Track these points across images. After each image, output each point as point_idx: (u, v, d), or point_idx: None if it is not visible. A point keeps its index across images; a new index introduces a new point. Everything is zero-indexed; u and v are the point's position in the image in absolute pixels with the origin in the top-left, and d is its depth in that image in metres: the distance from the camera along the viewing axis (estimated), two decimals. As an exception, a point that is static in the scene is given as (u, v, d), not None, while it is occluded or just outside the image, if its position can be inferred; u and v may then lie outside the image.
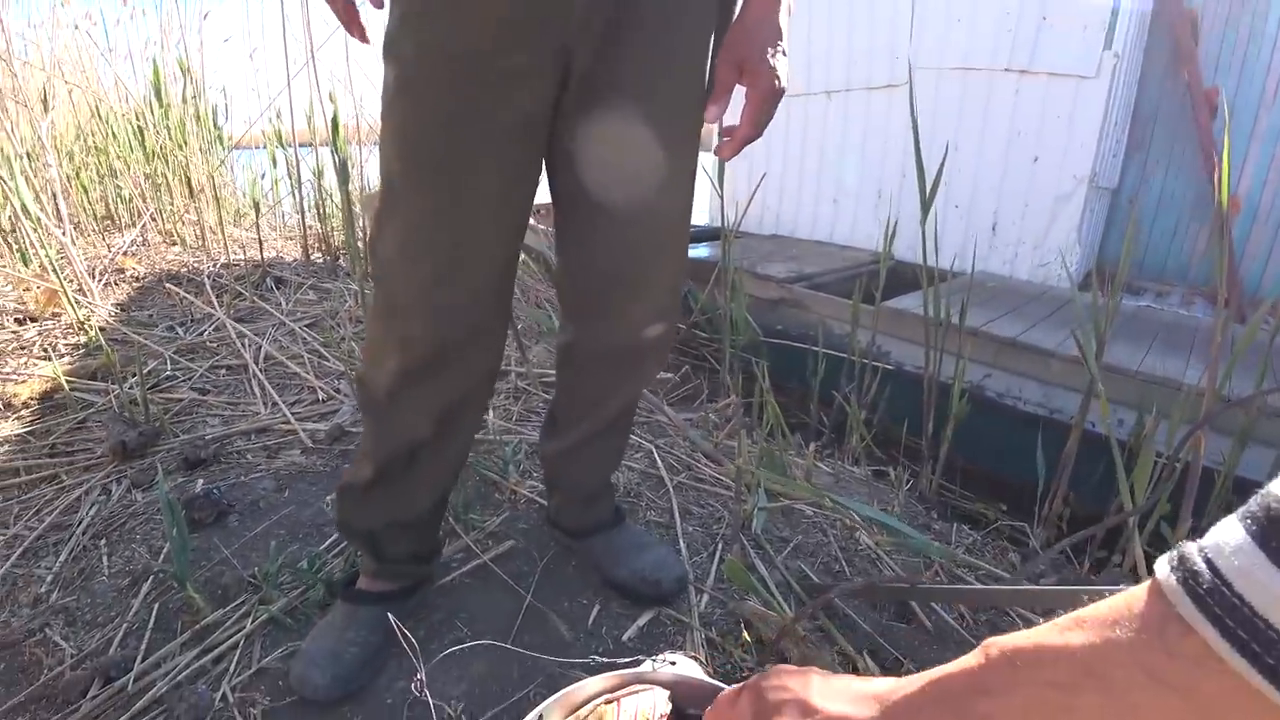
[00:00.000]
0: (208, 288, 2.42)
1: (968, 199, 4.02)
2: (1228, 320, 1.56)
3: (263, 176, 3.73)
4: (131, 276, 2.59)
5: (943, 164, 1.85)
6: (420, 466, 0.92)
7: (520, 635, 1.02)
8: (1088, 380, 1.67)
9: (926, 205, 1.76)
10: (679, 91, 0.81)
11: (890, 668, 1.03)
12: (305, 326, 2.16)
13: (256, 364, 1.84)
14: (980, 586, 0.84)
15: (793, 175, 4.64)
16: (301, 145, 3.36)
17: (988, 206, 3.97)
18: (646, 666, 0.91)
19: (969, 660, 0.36)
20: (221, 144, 3.58)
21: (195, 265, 2.77)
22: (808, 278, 3.52)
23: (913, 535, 1.06)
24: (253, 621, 0.99)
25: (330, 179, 3.19)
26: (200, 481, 1.27)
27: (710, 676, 0.96)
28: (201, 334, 2.06)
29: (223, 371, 1.82)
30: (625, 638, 1.04)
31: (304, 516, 1.26)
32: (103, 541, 1.16)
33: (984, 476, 2.08)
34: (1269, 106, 3.69)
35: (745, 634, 1.04)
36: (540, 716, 0.77)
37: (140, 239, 3.04)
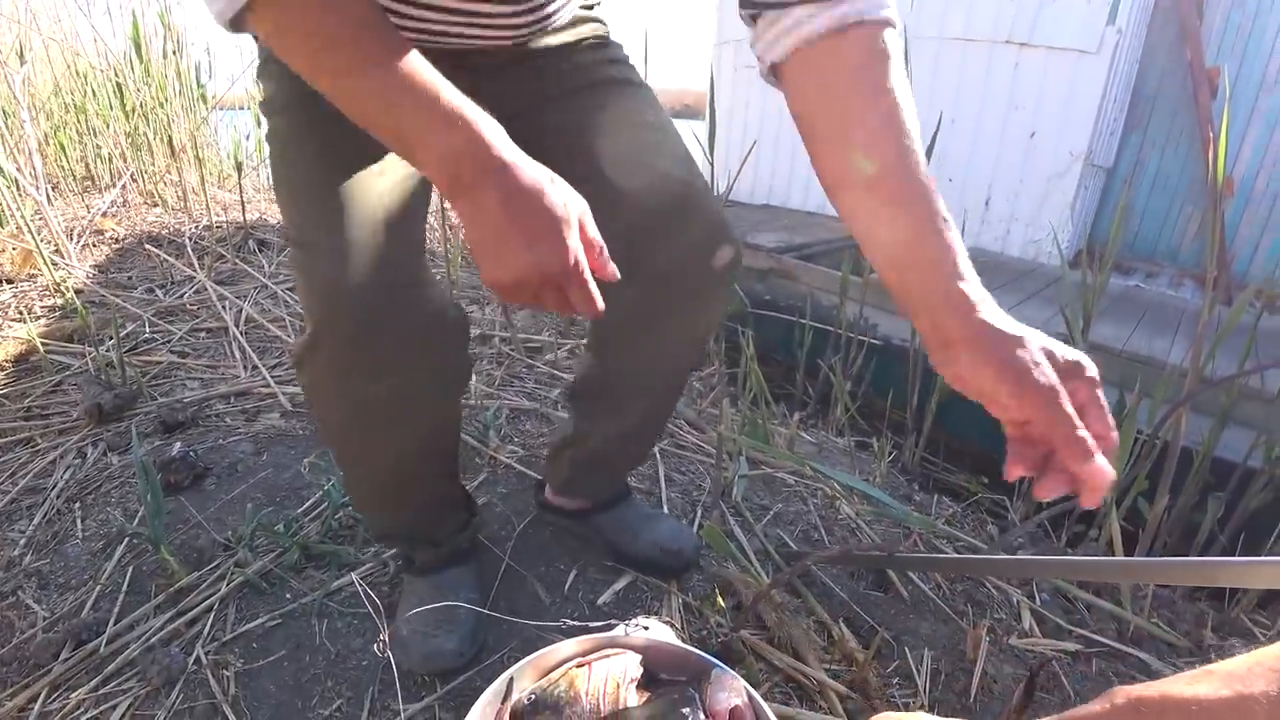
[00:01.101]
0: (189, 249, 2.38)
1: (962, 173, 3.99)
2: (1214, 301, 1.56)
3: (247, 137, 3.65)
4: (111, 238, 2.54)
5: (935, 135, 1.82)
6: (413, 481, 0.86)
7: (497, 598, 1.02)
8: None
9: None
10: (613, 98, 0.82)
11: (865, 635, 1.04)
12: (287, 289, 2.13)
13: (237, 326, 1.82)
14: (956, 556, 0.85)
15: (785, 145, 4.57)
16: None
17: (982, 181, 3.95)
18: (619, 631, 0.92)
19: (1094, 707, 0.35)
20: (204, 102, 3.50)
21: (176, 227, 2.72)
22: (797, 248, 3.50)
23: (893, 505, 1.06)
24: (228, 585, 0.98)
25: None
26: (177, 444, 1.25)
27: (684, 641, 0.97)
28: (181, 296, 2.03)
29: (202, 334, 1.80)
30: (601, 602, 1.04)
31: (281, 480, 1.25)
32: (77, 505, 1.15)
33: (967, 450, 2.09)
34: (1270, 90, 3.66)
35: (721, 600, 1.05)
36: (511, 679, 0.77)
37: (120, 200, 2.98)
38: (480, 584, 1.00)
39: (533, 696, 0.75)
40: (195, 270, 2.18)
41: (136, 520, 1.09)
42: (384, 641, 0.69)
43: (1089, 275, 1.74)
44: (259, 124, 3.39)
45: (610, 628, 0.99)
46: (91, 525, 1.10)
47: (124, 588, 0.98)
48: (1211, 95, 3.69)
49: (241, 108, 3.60)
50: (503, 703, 0.75)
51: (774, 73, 0.65)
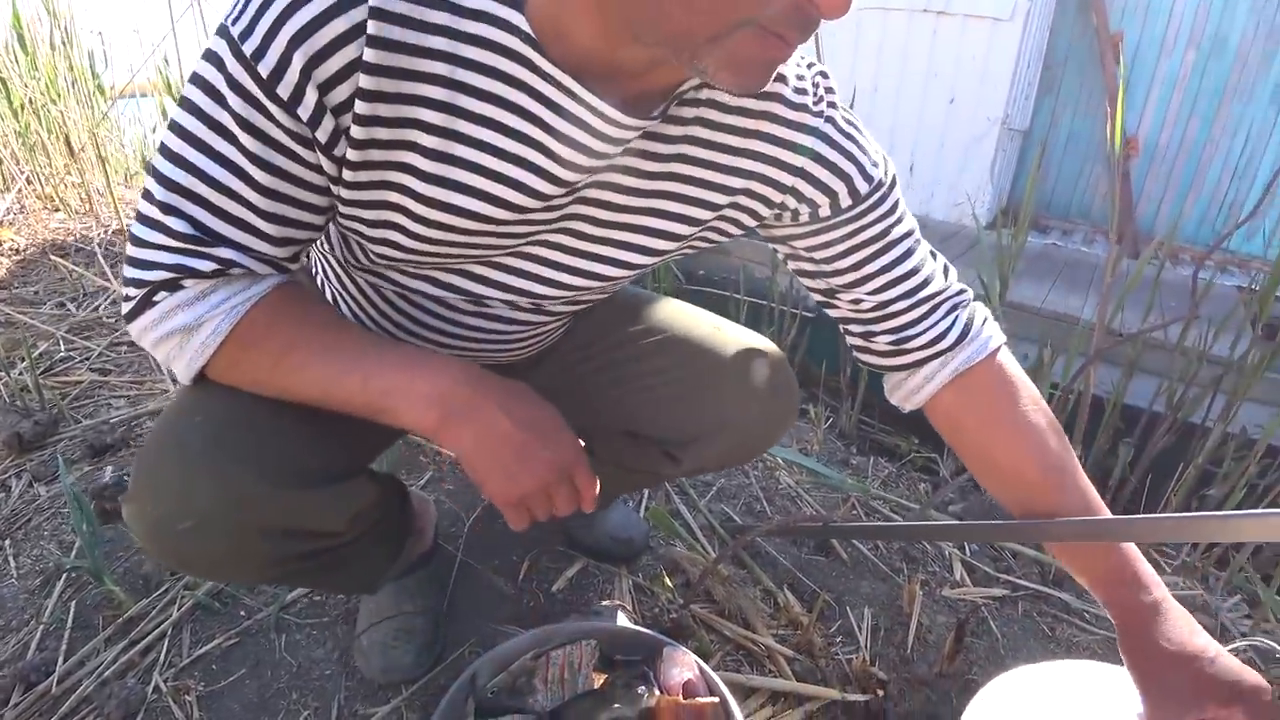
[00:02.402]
0: (99, 257, 2.26)
1: (887, 141, 4.10)
2: (1119, 258, 1.67)
3: (154, 130, 3.45)
4: (10, 249, 2.39)
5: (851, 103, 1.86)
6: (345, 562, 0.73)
7: (455, 594, 1.04)
8: (992, 318, 1.77)
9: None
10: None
11: (809, 599, 1.10)
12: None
13: (162, 339, 1.74)
14: (885, 524, 0.91)
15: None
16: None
17: (905, 147, 4.06)
18: (574, 619, 0.95)
19: None
20: (102, 95, 3.28)
21: (83, 233, 2.57)
22: None
23: (827, 474, 1.12)
24: (179, 609, 0.97)
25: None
26: (109, 469, 1.21)
27: (636, 622, 1.01)
28: (96, 309, 1.93)
29: (123, 349, 1.72)
30: (555, 589, 1.07)
31: (225, 497, 1.22)
32: (7, 542, 1.10)
33: (899, 411, 2.18)
34: (1169, 53, 3.86)
35: (667, 580, 1.09)
36: (473, 675, 0.80)
37: (17, 206, 2.79)
38: (437, 585, 1.02)
39: (495, 690, 0.78)
40: (109, 280, 2.08)
41: (74, 553, 1.06)
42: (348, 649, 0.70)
43: (1003, 236, 1.84)
44: (165, 117, 3.22)
45: (566, 615, 1.02)
46: (25, 562, 1.06)
47: (69, 624, 0.95)
48: (1116, 60, 3.88)
49: (144, 95, 3.39)
50: (467, 699, 0.77)
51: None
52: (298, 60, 0.47)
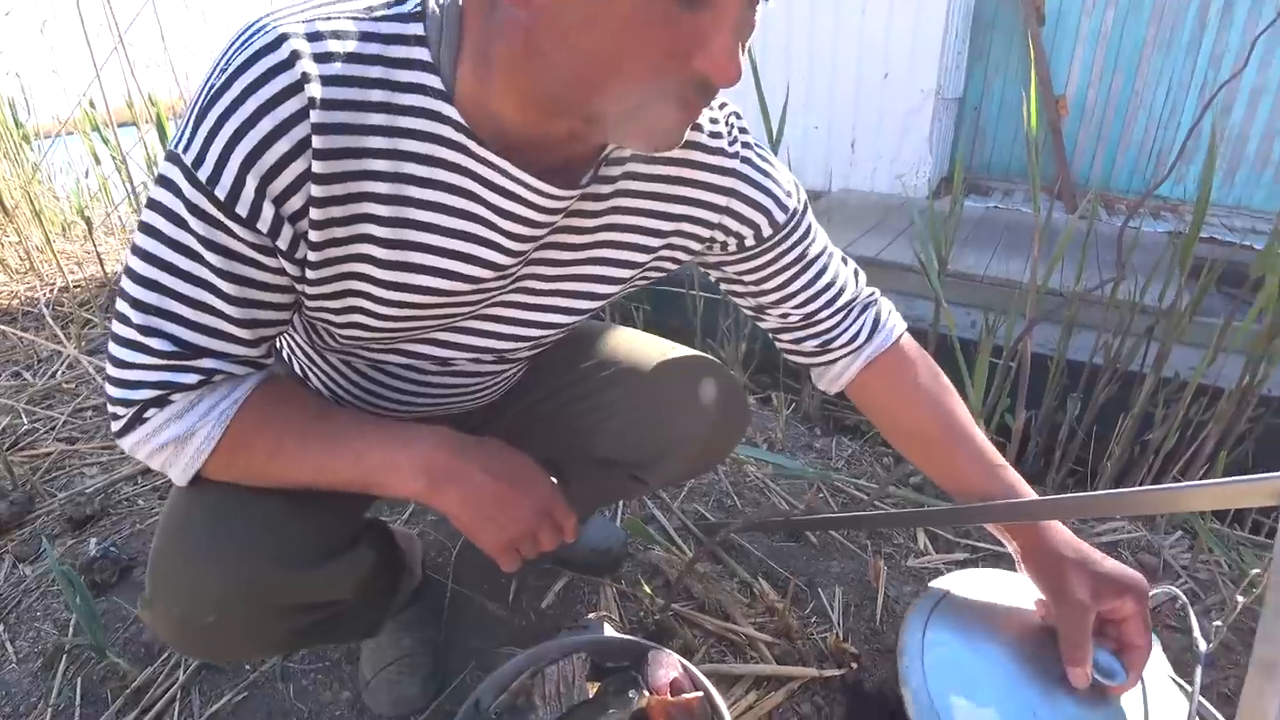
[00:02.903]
0: (48, 319, 2.23)
1: (827, 118, 4.18)
2: (1047, 220, 1.75)
3: (86, 175, 3.36)
4: (-45, 318, 2.34)
5: (788, 84, 1.92)
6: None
7: (450, 622, 1.09)
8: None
9: (773, 135, 1.82)
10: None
11: (783, 585, 1.17)
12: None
13: (127, 398, 1.74)
14: (841, 514, 0.98)
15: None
16: (122, 125, 3.02)
17: (846, 123, 4.15)
18: (564, 634, 1.01)
19: None
20: (28, 145, 3.19)
21: (28, 294, 2.53)
22: None
23: (785, 464, 1.19)
24: (184, 672, 1.00)
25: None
26: (93, 541, 1.23)
27: (622, 628, 1.07)
28: (54, 375, 1.91)
29: (89, 414, 1.72)
30: (545, 605, 1.13)
31: (212, 552, 1.25)
32: (1, 627, 1.12)
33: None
34: (1089, 13, 4.00)
35: (645, 586, 1.15)
36: (476, 700, 0.85)
37: (-46, 272, 2.73)
38: (432, 615, 1.06)
39: (498, 712, 0.83)
40: (62, 343, 2.06)
41: (71, 630, 1.08)
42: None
43: (934, 204, 1.91)
44: (97, 161, 3.14)
45: (557, 630, 1.08)
46: (23, 645, 1.08)
47: (77, 701, 0.97)
48: (1040, 23, 4.00)
49: (69, 133, 3.29)
50: (473, 722, 0.82)
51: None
52: (251, 181, 0.50)
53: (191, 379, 0.56)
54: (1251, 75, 3.91)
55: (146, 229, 0.54)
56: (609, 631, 1.03)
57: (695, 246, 0.73)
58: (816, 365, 0.84)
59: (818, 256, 0.77)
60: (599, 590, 1.15)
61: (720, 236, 0.72)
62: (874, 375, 0.81)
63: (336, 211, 0.54)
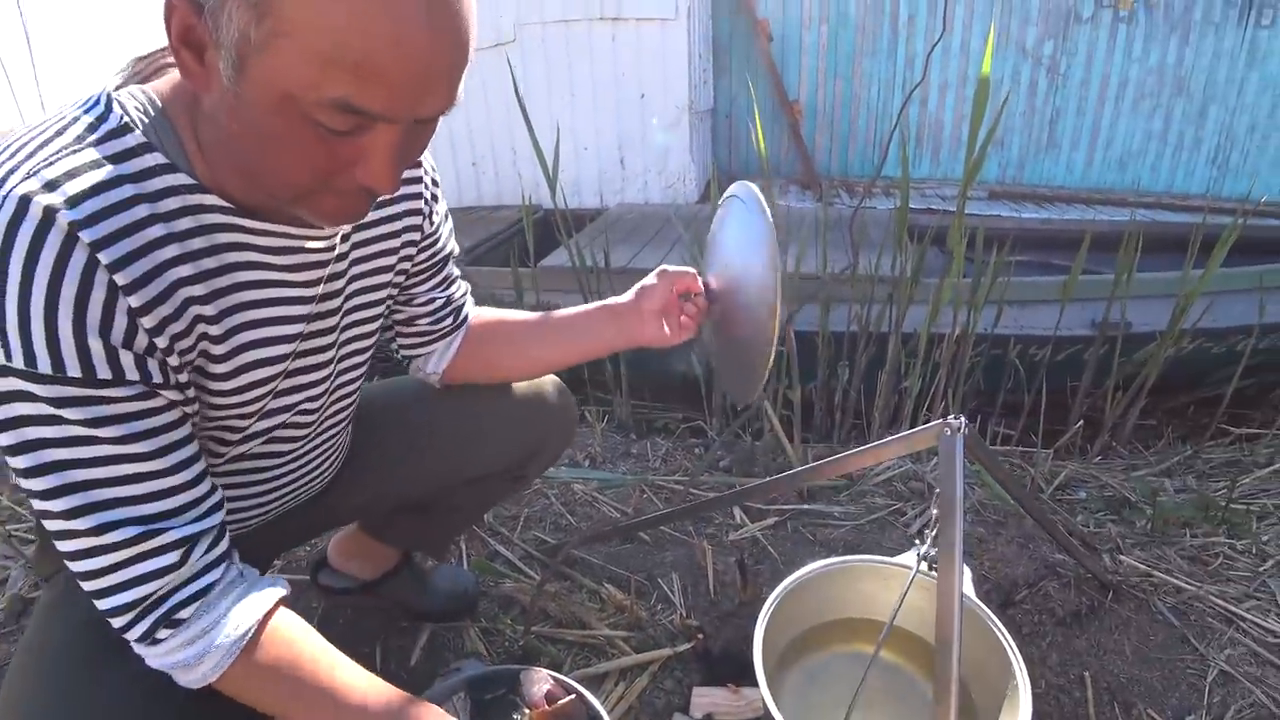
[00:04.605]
0: None
1: (594, 141, 4.42)
2: (812, 205, 2.00)
3: None
4: None
5: (553, 112, 2.05)
6: None
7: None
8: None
9: (549, 172, 1.93)
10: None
11: (625, 585, 1.27)
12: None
13: None
14: (664, 511, 1.10)
15: (438, 141, 4.64)
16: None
17: (612, 144, 4.43)
18: (438, 682, 1.03)
19: None
20: None
21: None
22: (466, 253, 3.62)
23: (608, 477, 1.30)
24: None
25: None
26: None
27: (492, 661, 1.11)
28: None
29: None
30: (414, 663, 1.13)
31: None
32: None
33: (664, 385, 2.40)
34: (808, 27, 4.61)
35: (505, 618, 1.20)
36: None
37: None
38: None
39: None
40: None
41: None
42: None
43: (706, 208, 2.13)
44: None
45: (431, 681, 1.09)
46: None
47: None
48: (768, 40, 4.56)
49: None
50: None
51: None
52: (95, 344, 0.50)
53: (172, 557, 0.55)
54: (937, 73, 4.76)
55: (24, 447, 0.51)
56: (479, 666, 1.07)
57: (418, 236, 0.80)
58: (441, 339, 0.91)
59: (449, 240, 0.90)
60: (462, 634, 1.17)
61: (422, 208, 0.80)
62: (466, 356, 0.93)
63: (175, 328, 0.55)
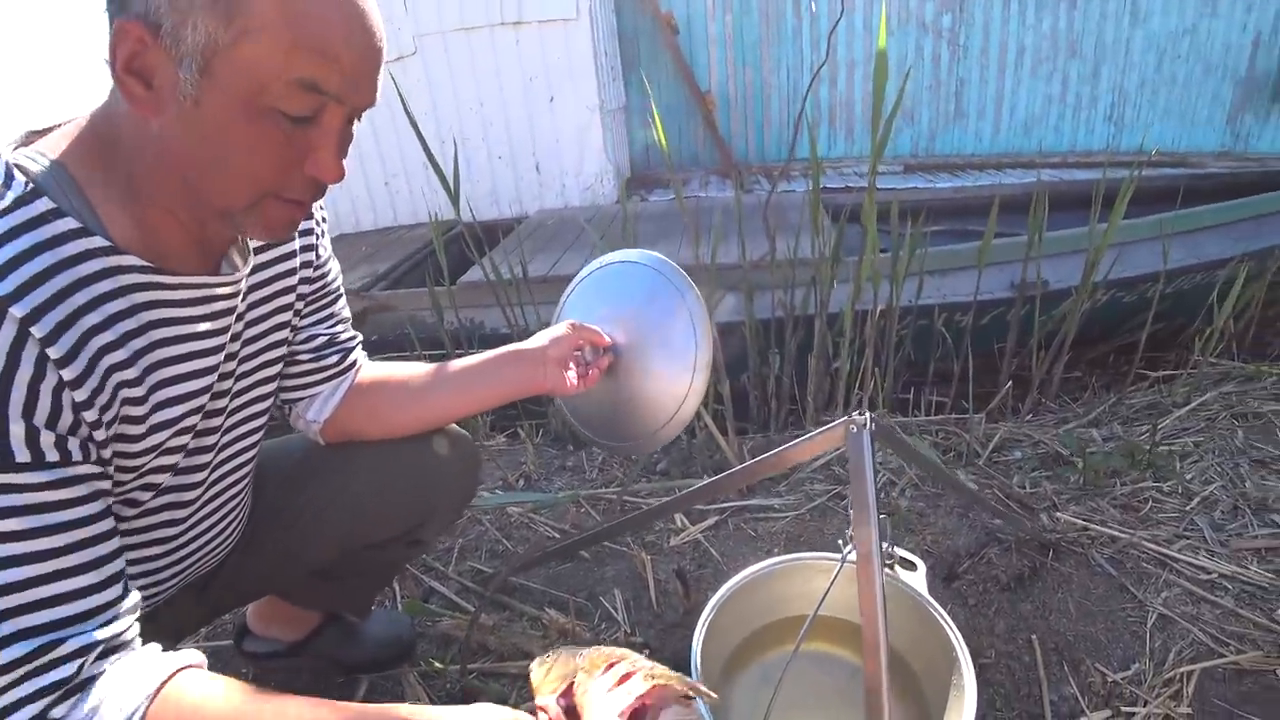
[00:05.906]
0: None
1: (508, 148, 4.33)
2: (728, 200, 1.98)
3: None
4: None
5: (460, 122, 1.98)
6: None
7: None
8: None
9: (449, 186, 1.85)
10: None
11: (565, 608, 1.22)
12: None
13: None
14: (601, 527, 1.05)
15: (349, 165, 4.48)
16: None
17: (526, 150, 4.34)
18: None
19: None
20: None
21: None
22: (384, 277, 3.49)
23: (541, 498, 1.24)
24: None
25: None
26: None
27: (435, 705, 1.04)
28: None
29: None
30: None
31: None
32: None
33: None
34: (712, 18, 4.61)
35: (444, 659, 1.13)
36: None
37: None
38: None
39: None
40: None
41: None
42: None
43: (631, 205, 2.08)
44: None
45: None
46: None
47: None
48: (674, 32, 4.54)
49: None
50: None
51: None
52: (15, 426, 0.48)
53: (68, 670, 0.50)
54: (843, 52, 4.84)
55: None
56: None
57: (310, 273, 0.80)
58: (324, 382, 0.86)
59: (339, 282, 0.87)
60: (401, 681, 1.10)
61: (315, 228, 0.80)
62: (342, 417, 0.87)
63: (101, 399, 0.55)
